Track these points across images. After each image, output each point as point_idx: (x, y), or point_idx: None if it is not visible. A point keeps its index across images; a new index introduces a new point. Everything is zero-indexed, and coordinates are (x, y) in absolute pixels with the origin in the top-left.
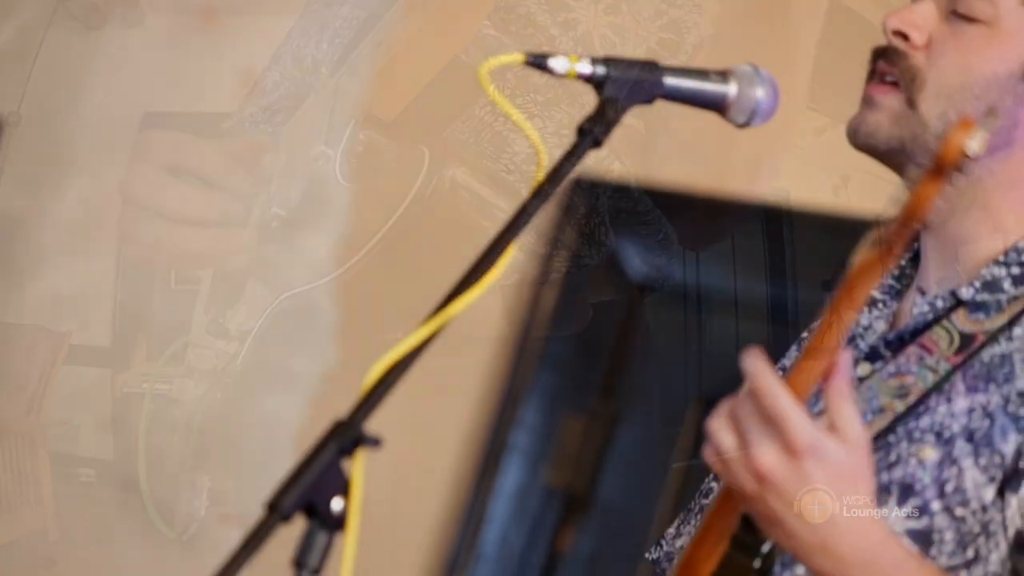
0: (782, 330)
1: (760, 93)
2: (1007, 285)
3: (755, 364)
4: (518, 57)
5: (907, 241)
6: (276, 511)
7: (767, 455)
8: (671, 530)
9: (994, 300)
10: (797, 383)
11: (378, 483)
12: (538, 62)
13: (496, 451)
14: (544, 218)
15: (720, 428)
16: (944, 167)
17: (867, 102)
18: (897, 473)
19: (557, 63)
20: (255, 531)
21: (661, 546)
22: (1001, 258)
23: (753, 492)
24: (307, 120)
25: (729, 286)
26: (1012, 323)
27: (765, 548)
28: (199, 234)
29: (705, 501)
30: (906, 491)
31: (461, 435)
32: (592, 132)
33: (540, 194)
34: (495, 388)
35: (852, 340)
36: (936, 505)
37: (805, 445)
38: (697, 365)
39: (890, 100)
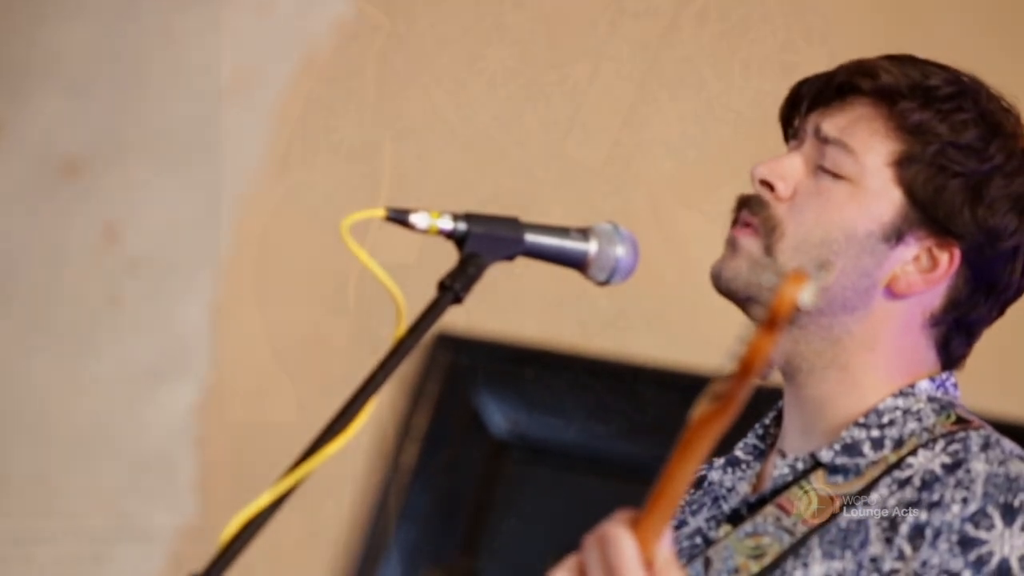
0: (643, 488)
1: (620, 251)
2: (866, 449)
3: (614, 517)
4: (379, 212)
5: (745, 394)
6: None
7: None
8: None
9: (853, 464)
10: (640, 535)
11: None
12: (399, 217)
13: None
14: (407, 372)
15: (566, 573)
16: (777, 319)
17: (730, 245)
18: None
19: (418, 219)
20: None
21: None
22: (861, 420)
23: None
24: (170, 270)
25: (592, 443)
26: (869, 488)
27: None
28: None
29: None
30: None
31: None
32: (452, 288)
33: (400, 349)
34: (356, 542)
35: (716, 501)
36: None
37: None
38: (559, 521)
39: (751, 245)
